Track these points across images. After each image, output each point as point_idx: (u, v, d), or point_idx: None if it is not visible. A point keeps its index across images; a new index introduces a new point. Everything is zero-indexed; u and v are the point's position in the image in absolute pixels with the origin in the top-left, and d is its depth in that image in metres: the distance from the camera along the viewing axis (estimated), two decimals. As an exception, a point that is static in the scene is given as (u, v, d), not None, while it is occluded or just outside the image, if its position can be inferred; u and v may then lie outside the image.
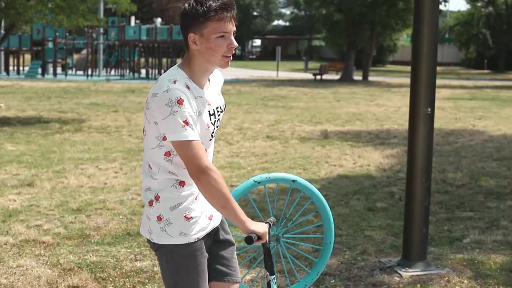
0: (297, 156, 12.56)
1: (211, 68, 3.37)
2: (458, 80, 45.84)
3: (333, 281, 6.01)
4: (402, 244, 6.64)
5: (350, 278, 6.14)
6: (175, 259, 3.36)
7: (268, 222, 3.57)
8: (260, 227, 3.30)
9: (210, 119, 3.36)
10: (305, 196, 4.76)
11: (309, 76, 47.07)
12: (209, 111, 3.35)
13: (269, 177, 4.47)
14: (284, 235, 4.55)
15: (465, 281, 6.11)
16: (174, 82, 3.24)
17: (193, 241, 3.36)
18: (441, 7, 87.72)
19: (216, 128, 3.44)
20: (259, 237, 3.31)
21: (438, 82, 42.30)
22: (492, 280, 6.13)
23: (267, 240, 3.42)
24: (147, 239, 3.45)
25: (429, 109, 6.46)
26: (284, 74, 48.22)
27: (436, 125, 18.29)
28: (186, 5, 3.30)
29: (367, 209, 8.63)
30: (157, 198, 3.35)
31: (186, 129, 3.17)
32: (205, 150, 3.32)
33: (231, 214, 3.26)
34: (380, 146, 14.06)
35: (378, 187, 9.95)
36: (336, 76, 46.76)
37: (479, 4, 70.15)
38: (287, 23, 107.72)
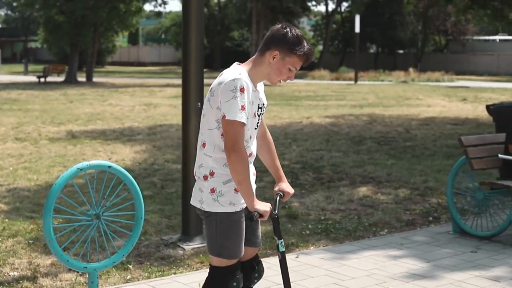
0: (54, 155, 13.01)
1: (264, 79, 4.09)
2: (178, 79, 47.48)
3: (125, 258, 6.76)
4: (182, 222, 7.54)
5: (140, 255, 6.93)
6: (224, 225, 4.04)
7: (278, 194, 4.30)
8: (262, 207, 4.03)
9: (257, 111, 4.05)
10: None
11: (31, 78, 46.35)
12: (258, 104, 4.06)
13: (89, 164, 5.20)
14: (104, 213, 5.31)
15: (238, 248, 7.16)
16: (240, 74, 3.93)
17: (239, 209, 4.05)
18: (161, 9, 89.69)
19: (260, 120, 4.12)
20: (261, 215, 3.99)
21: (161, 81, 43.42)
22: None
23: (277, 210, 4.16)
24: (197, 208, 4.10)
25: (199, 104, 7.38)
26: (4, 78, 47.06)
27: (173, 121, 19.53)
28: (288, 30, 4.02)
29: (136, 197, 9.41)
30: (212, 173, 4.02)
31: (241, 113, 3.87)
32: (250, 136, 4.03)
33: (244, 191, 3.97)
34: (128, 143, 14.87)
35: (139, 179, 10.75)
36: (59, 78, 46.51)
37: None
38: (0, 25, 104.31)
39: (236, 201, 4.07)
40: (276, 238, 4.22)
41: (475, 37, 73.11)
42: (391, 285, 6.12)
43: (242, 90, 3.90)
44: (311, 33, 77.81)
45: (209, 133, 4.06)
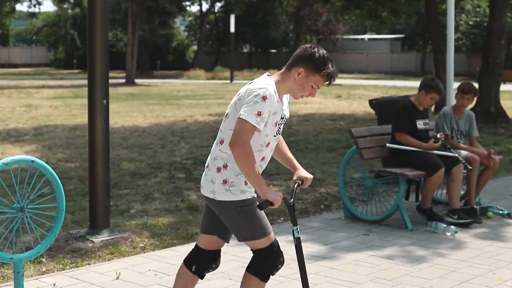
0: None
1: (288, 93, 4.42)
2: (53, 80, 46.95)
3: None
4: (89, 216, 7.77)
5: (51, 249, 7.07)
6: (243, 210, 4.38)
7: (297, 182, 4.59)
8: (272, 196, 4.29)
9: (279, 120, 4.36)
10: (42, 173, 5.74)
11: None
12: (280, 115, 4.37)
13: (13, 159, 5.44)
14: (28, 206, 5.54)
15: (146, 239, 7.49)
16: (267, 85, 4.24)
17: (250, 197, 4.37)
18: (35, 9, 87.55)
19: (280, 128, 4.43)
20: (272, 203, 4.27)
21: (36, 83, 42.28)
22: (166, 236, 7.60)
23: (292, 198, 4.46)
24: (209, 198, 4.47)
25: (104, 101, 7.63)
26: None
27: (58, 121, 19.46)
28: (316, 51, 4.33)
29: (36, 195, 9.54)
30: (225, 166, 4.35)
31: (256, 117, 4.17)
32: (268, 143, 4.37)
33: (253, 181, 4.27)
34: (16, 143, 14.79)
35: (36, 177, 10.84)
36: None
37: (65, 6, 71.74)
38: None
39: (245, 189, 4.41)
40: (291, 224, 4.50)
41: (345, 37, 75.36)
42: (295, 266, 6.58)
43: (264, 98, 4.22)
44: (185, 33, 78.04)
45: (229, 132, 4.35)
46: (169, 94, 33.83)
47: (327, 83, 4.40)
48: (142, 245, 7.32)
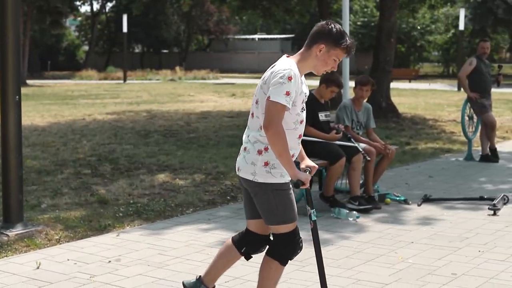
0: None
1: (311, 70, 4.57)
2: None
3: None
4: (2, 210, 7.84)
5: (-34, 243, 7.20)
6: (280, 194, 4.54)
7: (307, 170, 4.76)
8: (304, 176, 4.53)
9: (304, 98, 4.54)
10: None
11: None
12: (305, 93, 4.54)
13: None
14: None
15: (60, 232, 7.62)
16: (290, 65, 4.40)
17: (288, 181, 4.53)
18: None
19: (304, 104, 4.59)
20: (303, 183, 4.51)
21: None
22: (80, 228, 7.76)
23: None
24: (248, 180, 4.62)
25: (17, 97, 7.72)
26: None
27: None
28: (333, 26, 4.57)
29: None
30: (266, 149, 4.51)
31: (285, 97, 4.33)
32: (301, 121, 4.55)
33: (284, 162, 4.46)
34: None
35: None
36: None
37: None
38: None
39: (285, 173, 4.59)
40: (309, 208, 4.76)
41: (236, 37, 76.05)
42: (209, 252, 6.89)
43: (289, 78, 4.39)
44: (76, 34, 77.00)
45: (263, 117, 4.52)
46: (64, 94, 33.54)
47: (346, 55, 4.64)
48: (57, 237, 7.46)
